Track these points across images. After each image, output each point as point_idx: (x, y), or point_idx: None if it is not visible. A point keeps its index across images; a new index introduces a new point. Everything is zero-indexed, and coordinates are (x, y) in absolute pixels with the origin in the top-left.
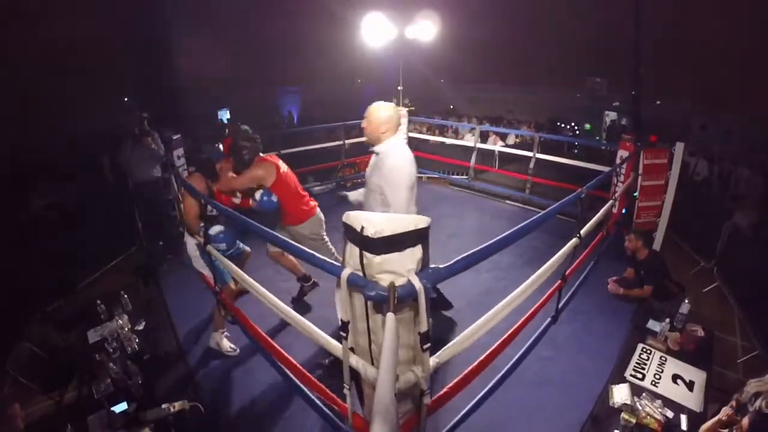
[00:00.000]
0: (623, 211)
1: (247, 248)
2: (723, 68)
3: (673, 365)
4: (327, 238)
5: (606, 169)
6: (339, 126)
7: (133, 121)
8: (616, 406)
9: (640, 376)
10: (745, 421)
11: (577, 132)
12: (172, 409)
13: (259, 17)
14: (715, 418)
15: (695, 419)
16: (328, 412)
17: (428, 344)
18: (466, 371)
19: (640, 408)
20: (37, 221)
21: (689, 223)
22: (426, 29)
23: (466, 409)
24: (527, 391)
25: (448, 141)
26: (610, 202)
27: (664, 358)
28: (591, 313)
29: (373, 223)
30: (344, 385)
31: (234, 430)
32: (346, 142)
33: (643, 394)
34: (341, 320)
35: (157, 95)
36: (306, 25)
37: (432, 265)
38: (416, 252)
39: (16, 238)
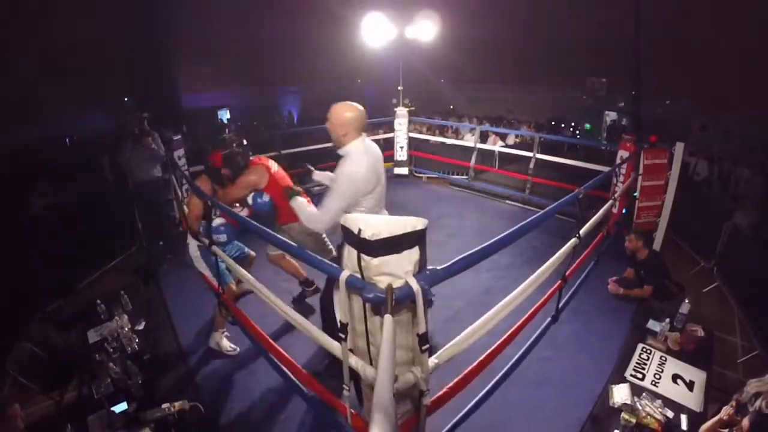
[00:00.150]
0: (623, 211)
1: (252, 252)
2: (723, 68)
3: (673, 365)
4: (325, 235)
5: (606, 169)
6: None
7: (133, 121)
8: (616, 406)
9: (640, 376)
10: (745, 421)
11: (577, 133)
12: (172, 409)
13: (259, 17)
14: (715, 418)
15: (695, 419)
16: (327, 412)
17: (427, 345)
18: (466, 371)
19: (640, 408)
20: (37, 221)
21: (689, 223)
22: (426, 29)
23: (466, 409)
24: (527, 391)
25: (448, 141)
26: (610, 202)
27: (664, 358)
28: (591, 313)
29: (371, 225)
30: (344, 385)
31: (234, 430)
32: None
33: (643, 394)
34: (340, 322)
35: (157, 95)
36: (306, 25)
37: (430, 267)
38: (414, 254)
39: (16, 238)
